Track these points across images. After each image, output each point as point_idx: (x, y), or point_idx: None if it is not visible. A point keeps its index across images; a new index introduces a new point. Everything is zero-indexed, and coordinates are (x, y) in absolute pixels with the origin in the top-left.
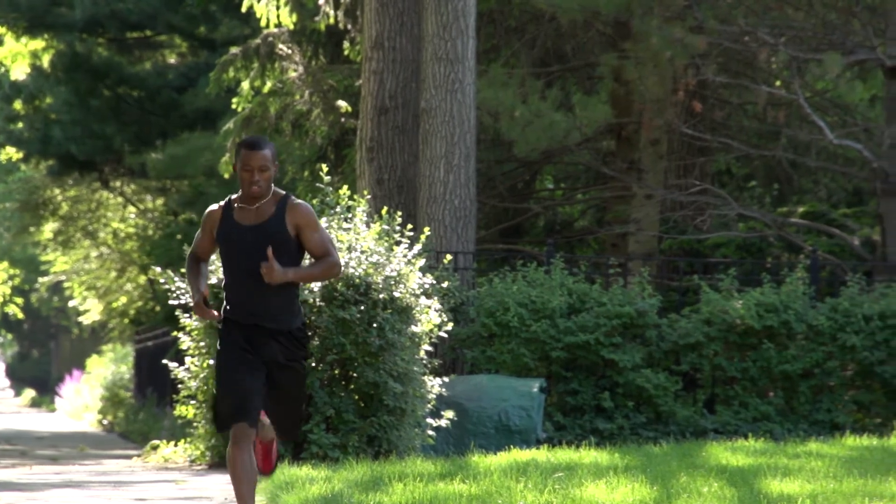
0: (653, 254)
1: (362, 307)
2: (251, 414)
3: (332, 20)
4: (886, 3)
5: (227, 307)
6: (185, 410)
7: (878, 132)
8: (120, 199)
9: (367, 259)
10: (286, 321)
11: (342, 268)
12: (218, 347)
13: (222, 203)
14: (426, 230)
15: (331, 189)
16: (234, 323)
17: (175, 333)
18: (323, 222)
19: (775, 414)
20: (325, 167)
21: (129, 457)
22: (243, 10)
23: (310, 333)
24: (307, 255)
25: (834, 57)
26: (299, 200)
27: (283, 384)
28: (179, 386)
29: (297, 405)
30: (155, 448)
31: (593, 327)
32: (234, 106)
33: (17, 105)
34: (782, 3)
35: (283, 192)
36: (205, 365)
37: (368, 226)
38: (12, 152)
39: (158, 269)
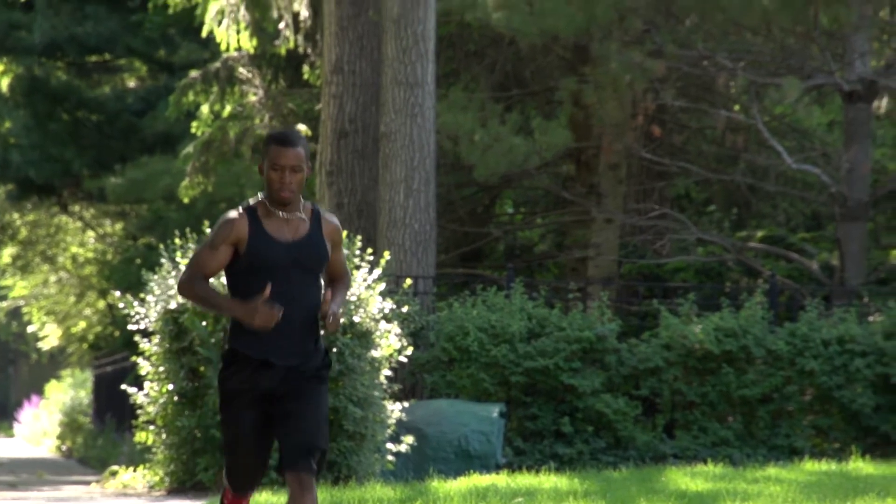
0: (612, 278)
1: (322, 331)
2: (256, 485)
3: (292, 44)
4: (844, 28)
5: (240, 343)
6: (145, 436)
7: (837, 157)
8: (79, 224)
9: None
10: (314, 357)
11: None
12: (221, 407)
13: (242, 211)
14: (386, 254)
15: None
16: (246, 363)
17: (134, 358)
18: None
19: (734, 439)
20: None
21: (87, 483)
22: (203, 34)
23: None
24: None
25: (792, 82)
26: (329, 214)
27: (306, 391)
28: (138, 411)
29: (323, 428)
30: (114, 474)
31: (553, 352)
32: (193, 130)
33: None
34: (741, 28)
35: (311, 204)
36: (164, 390)
37: None
38: None
39: (117, 294)
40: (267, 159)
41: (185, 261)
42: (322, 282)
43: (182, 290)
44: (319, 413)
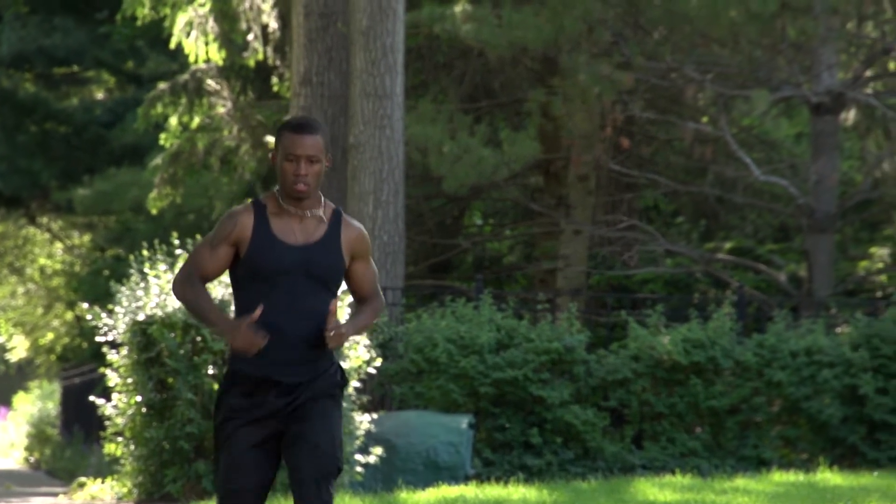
0: (581, 289)
1: None
2: None
3: (260, 56)
4: (812, 40)
5: (239, 363)
6: (113, 447)
7: (804, 169)
8: (47, 235)
9: None
10: (327, 374)
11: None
12: (218, 437)
13: (249, 205)
14: None
15: None
16: (246, 383)
17: (102, 370)
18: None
19: (702, 449)
20: None
21: (55, 494)
22: (172, 45)
23: None
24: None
25: (760, 94)
26: (353, 220)
27: (314, 413)
28: (106, 423)
29: (337, 452)
30: (82, 485)
31: (521, 363)
32: (161, 141)
33: None
34: (709, 41)
35: (333, 206)
36: (132, 402)
37: None
38: None
39: (85, 306)
40: (280, 148)
41: (153, 273)
42: (331, 306)
43: (174, 289)
44: (333, 436)
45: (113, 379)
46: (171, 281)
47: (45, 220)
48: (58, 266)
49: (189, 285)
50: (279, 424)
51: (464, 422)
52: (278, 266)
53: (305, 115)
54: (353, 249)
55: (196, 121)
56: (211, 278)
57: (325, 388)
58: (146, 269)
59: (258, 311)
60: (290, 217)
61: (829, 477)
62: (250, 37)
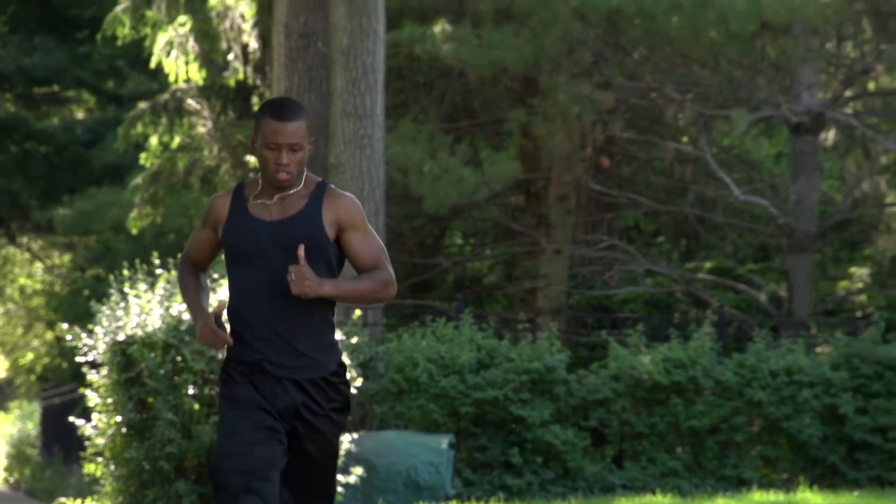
0: (561, 309)
1: None
2: (266, 494)
3: (241, 76)
4: (791, 60)
5: (232, 348)
6: (93, 468)
7: (784, 188)
8: (27, 255)
9: None
10: (319, 363)
11: (395, 287)
12: (220, 403)
13: (231, 189)
14: None
15: None
16: (241, 366)
17: (82, 390)
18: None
19: (683, 469)
20: None
21: None
22: (152, 65)
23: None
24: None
25: (740, 114)
26: (342, 191)
27: (310, 448)
28: (86, 443)
29: (330, 478)
30: None
31: (502, 383)
32: (142, 161)
33: None
34: (689, 61)
35: (319, 179)
36: (112, 422)
37: None
38: None
39: (65, 326)
40: (260, 135)
41: (134, 292)
42: (333, 274)
43: (178, 267)
44: (327, 474)
45: (93, 399)
46: None
47: (25, 239)
48: (38, 286)
49: (182, 264)
50: (287, 426)
51: (444, 442)
52: (251, 243)
53: (286, 97)
54: (340, 219)
55: (176, 140)
56: (202, 262)
57: (328, 405)
58: (126, 289)
59: (223, 309)
60: (268, 197)
61: (809, 497)
62: (231, 56)
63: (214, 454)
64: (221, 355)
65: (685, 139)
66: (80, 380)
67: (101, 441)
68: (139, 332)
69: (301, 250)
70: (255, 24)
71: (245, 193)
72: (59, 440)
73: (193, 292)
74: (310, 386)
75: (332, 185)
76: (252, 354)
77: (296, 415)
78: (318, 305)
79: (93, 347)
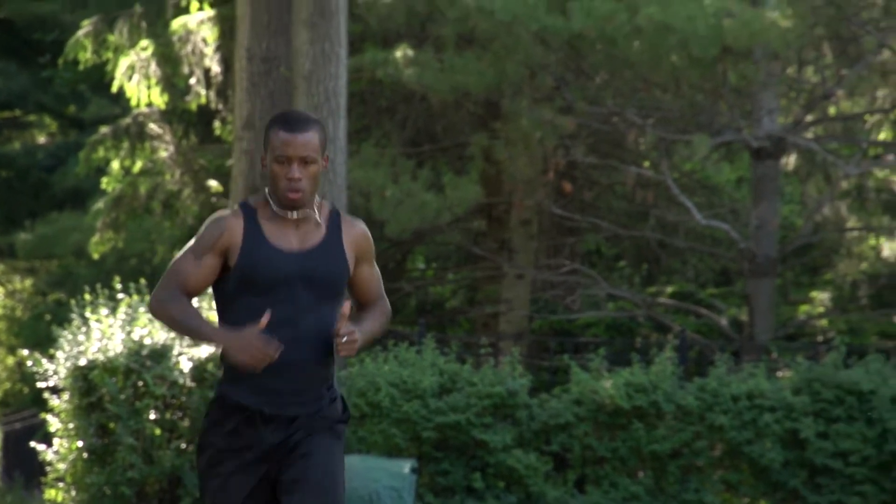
0: (523, 333)
1: None
2: None
3: (203, 100)
4: (752, 85)
5: (232, 388)
6: (54, 493)
7: (745, 213)
8: None
9: None
10: (330, 406)
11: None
12: (207, 463)
13: (237, 209)
14: None
15: None
16: (238, 415)
17: (43, 415)
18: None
19: (645, 493)
20: None
21: None
22: (114, 89)
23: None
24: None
25: (702, 138)
26: (352, 217)
27: (313, 450)
28: (48, 468)
29: (339, 474)
30: None
31: (464, 407)
32: (103, 186)
33: None
34: (650, 85)
35: (328, 204)
36: (73, 447)
37: None
38: None
39: (26, 351)
40: (270, 149)
41: (95, 317)
42: (342, 309)
43: (154, 308)
44: (335, 480)
45: (54, 424)
46: (150, 301)
47: None
48: None
49: (173, 302)
50: (272, 467)
51: (406, 466)
52: (275, 275)
53: (297, 110)
54: (359, 251)
55: (138, 165)
56: (196, 293)
57: (323, 423)
58: (88, 314)
59: (266, 317)
60: (284, 222)
61: None
62: (193, 81)
63: None
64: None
65: (647, 164)
66: (42, 405)
67: (62, 466)
68: (100, 357)
69: (346, 307)
70: (218, 49)
71: (257, 216)
72: (20, 465)
73: (199, 317)
74: (306, 418)
75: (344, 213)
76: (256, 400)
77: (286, 443)
78: (329, 338)
79: (54, 372)
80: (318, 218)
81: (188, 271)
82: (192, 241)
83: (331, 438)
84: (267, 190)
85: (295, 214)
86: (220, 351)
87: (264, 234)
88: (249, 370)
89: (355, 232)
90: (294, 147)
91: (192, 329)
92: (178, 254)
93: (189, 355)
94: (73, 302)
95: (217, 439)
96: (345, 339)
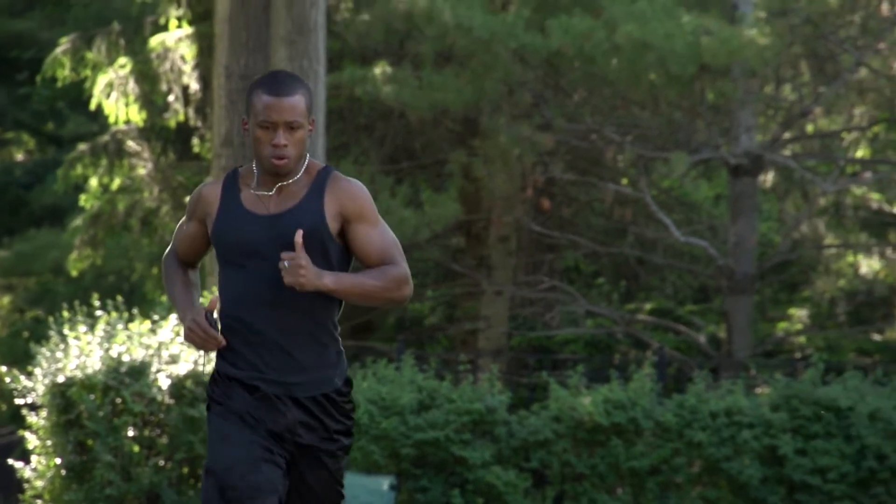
0: (502, 350)
1: None
2: None
3: (181, 117)
4: (730, 102)
5: (222, 355)
6: None
7: (723, 230)
8: None
9: (216, 356)
10: (322, 378)
11: (411, 287)
12: (212, 418)
13: (221, 177)
14: None
15: None
16: (232, 383)
17: (21, 432)
18: (172, 320)
19: None
20: None
21: None
22: (92, 107)
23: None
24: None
25: (680, 156)
26: (347, 177)
27: (310, 480)
28: (25, 485)
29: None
30: None
31: (443, 424)
32: (81, 203)
33: None
34: (628, 103)
35: (323, 165)
36: (51, 464)
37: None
38: None
39: (4, 368)
40: (252, 113)
41: (73, 334)
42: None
43: (162, 263)
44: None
45: (32, 441)
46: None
47: None
48: None
49: (166, 265)
50: (286, 454)
51: (385, 483)
52: (243, 240)
53: (282, 70)
54: (345, 209)
55: (116, 182)
56: (189, 258)
57: (332, 431)
58: (66, 331)
59: (216, 303)
60: (267, 188)
61: None
62: (171, 98)
63: (208, 471)
64: (205, 367)
65: (625, 181)
66: (20, 422)
67: (40, 483)
68: (79, 374)
69: (298, 236)
70: (196, 66)
71: (239, 183)
72: None
73: (181, 287)
74: (312, 404)
75: (337, 171)
76: (245, 371)
77: (295, 439)
78: (320, 310)
79: (32, 389)
80: (302, 180)
81: (179, 237)
82: None
83: (330, 464)
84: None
85: (280, 183)
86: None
87: (241, 199)
88: (251, 324)
89: (342, 190)
90: (279, 111)
91: (172, 298)
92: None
93: (167, 372)
94: (51, 319)
95: (223, 392)
96: (287, 262)
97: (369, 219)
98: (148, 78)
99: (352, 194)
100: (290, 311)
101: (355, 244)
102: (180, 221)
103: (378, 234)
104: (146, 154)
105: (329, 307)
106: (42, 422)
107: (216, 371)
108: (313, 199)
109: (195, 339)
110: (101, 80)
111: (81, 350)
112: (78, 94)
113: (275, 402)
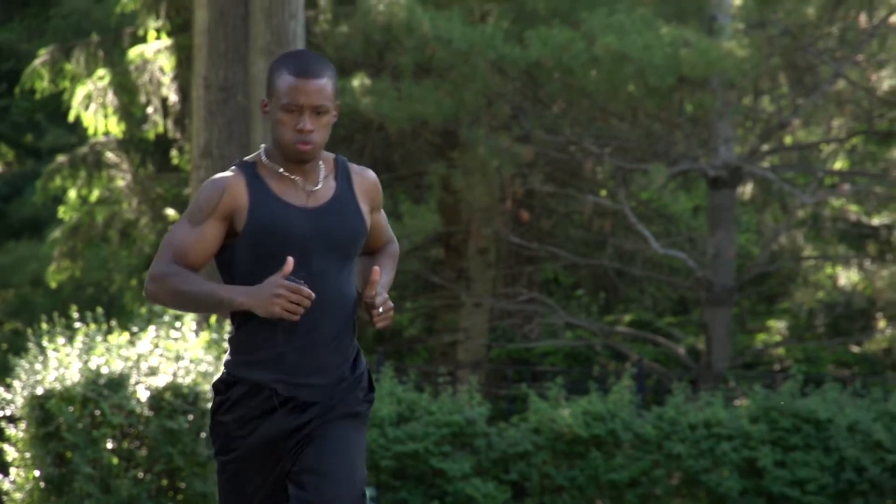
0: (481, 362)
1: (191, 417)
2: None
3: (160, 129)
4: (709, 114)
5: (243, 366)
6: None
7: (702, 242)
8: None
9: (195, 368)
10: (355, 383)
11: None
12: (220, 451)
13: (235, 168)
14: None
15: None
16: (251, 396)
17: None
18: (151, 332)
19: None
20: None
21: None
22: (71, 118)
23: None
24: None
25: (659, 167)
26: (360, 166)
27: (330, 439)
28: (4, 498)
29: (359, 459)
30: None
31: (422, 436)
32: (60, 215)
33: None
34: (607, 114)
35: (329, 153)
36: (30, 476)
37: (197, 334)
38: None
39: None
40: (275, 95)
41: (52, 346)
42: (371, 275)
43: (151, 290)
44: (353, 465)
45: (10, 453)
46: (145, 284)
47: None
48: None
49: (173, 275)
50: (286, 460)
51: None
52: (291, 234)
53: (306, 51)
54: (373, 202)
55: (95, 194)
56: (197, 266)
57: (344, 408)
58: (45, 343)
59: (289, 265)
60: (287, 177)
61: None
62: (150, 110)
63: None
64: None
65: (604, 192)
66: None
67: (18, 496)
68: (57, 386)
69: (376, 274)
70: (175, 78)
71: (258, 171)
72: None
73: (204, 280)
74: (321, 407)
75: (350, 162)
76: (268, 374)
77: (300, 429)
78: (351, 313)
79: (10, 401)
80: (322, 170)
81: (186, 242)
82: (187, 211)
83: (350, 424)
84: (263, 146)
85: (299, 176)
86: (236, 321)
87: (271, 190)
88: (285, 324)
89: (367, 183)
90: (306, 95)
91: (205, 295)
92: (173, 227)
93: (146, 384)
94: (29, 331)
95: (228, 426)
96: (380, 309)
97: (380, 204)
98: (127, 89)
99: (375, 185)
100: (329, 307)
101: (373, 229)
102: (176, 230)
103: (385, 218)
104: (125, 166)
105: (356, 307)
106: (21, 434)
107: (233, 377)
108: (346, 195)
109: (287, 304)
110: (80, 91)
111: (60, 362)
112: (57, 106)
113: (292, 407)
